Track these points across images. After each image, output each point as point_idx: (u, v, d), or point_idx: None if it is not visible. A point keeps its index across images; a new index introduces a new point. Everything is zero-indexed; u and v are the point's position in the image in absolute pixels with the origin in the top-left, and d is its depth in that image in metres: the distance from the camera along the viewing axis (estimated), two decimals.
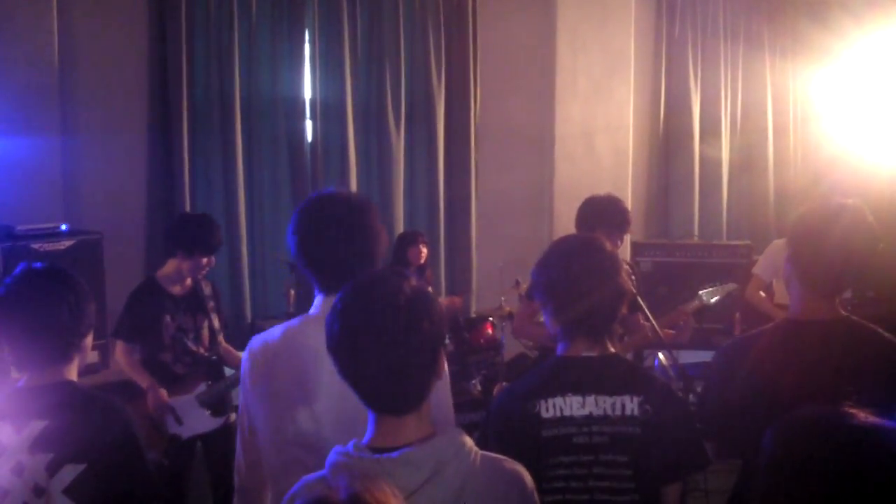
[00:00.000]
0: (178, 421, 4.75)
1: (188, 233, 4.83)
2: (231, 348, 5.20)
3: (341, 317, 1.90)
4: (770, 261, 5.84)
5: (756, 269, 5.93)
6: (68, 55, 6.34)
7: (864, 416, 1.65)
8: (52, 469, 2.36)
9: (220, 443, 4.89)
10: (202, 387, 4.86)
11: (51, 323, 2.48)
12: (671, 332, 4.76)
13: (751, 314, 6.08)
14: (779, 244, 5.86)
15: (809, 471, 1.61)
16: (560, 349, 2.62)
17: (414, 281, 1.94)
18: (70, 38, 6.34)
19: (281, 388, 2.45)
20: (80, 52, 6.42)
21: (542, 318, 5.38)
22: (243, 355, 2.57)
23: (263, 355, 2.51)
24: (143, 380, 4.75)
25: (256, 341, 2.57)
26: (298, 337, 2.49)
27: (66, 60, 6.31)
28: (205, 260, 4.81)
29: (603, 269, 2.55)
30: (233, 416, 5.00)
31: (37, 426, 2.39)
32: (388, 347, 1.84)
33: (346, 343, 1.88)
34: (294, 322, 2.56)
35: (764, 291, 5.89)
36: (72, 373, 2.56)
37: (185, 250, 4.78)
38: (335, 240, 2.48)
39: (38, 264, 2.62)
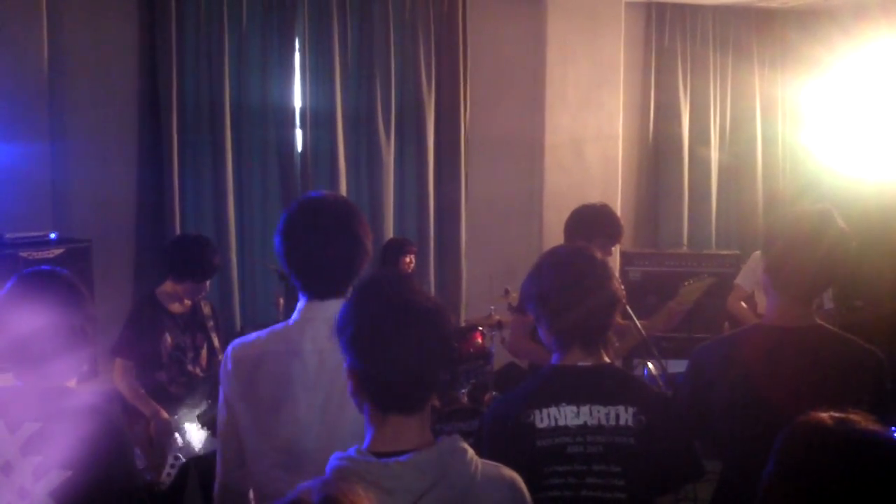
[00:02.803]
0: (180, 442, 4.64)
1: (180, 257, 4.73)
2: None
3: (366, 310, 1.91)
4: (751, 271, 5.84)
5: (738, 280, 5.93)
6: (58, 62, 6.33)
7: (865, 423, 1.67)
8: (40, 472, 2.36)
9: (215, 464, 4.81)
10: (204, 405, 4.73)
11: (57, 326, 2.47)
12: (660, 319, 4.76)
13: (739, 324, 6.09)
14: (759, 255, 5.86)
15: (813, 476, 1.63)
16: (554, 359, 2.62)
17: (418, 284, 1.99)
18: (60, 44, 6.34)
19: (265, 393, 2.46)
20: (69, 59, 6.42)
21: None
22: (226, 356, 2.55)
23: (248, 359, 2.51)
24: (145, 406, 4.61)
25: (240, 344, 2.57)
26: (283, 342, 2.50)
27: (55, 67, 6.31)
28: (202, 285, 4.73)
29: (595, 278, 2.56)
30: None
31: (30, 428, 2.39)
32: (415, 340, 1.86)
33: (373, 339, 1.89)
34: (278, 327, 2.57)
35: (746, 302, 5.87)
36: (71, 378, 2.56)
37: (176, 275, 4.71)
38: (321, 245, 2.49)
39: (45, 267, 2.63)
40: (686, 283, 5.10)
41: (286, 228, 2.56)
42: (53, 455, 2.37)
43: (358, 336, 1.91)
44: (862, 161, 8.46)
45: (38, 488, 2.36)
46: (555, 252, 2.80)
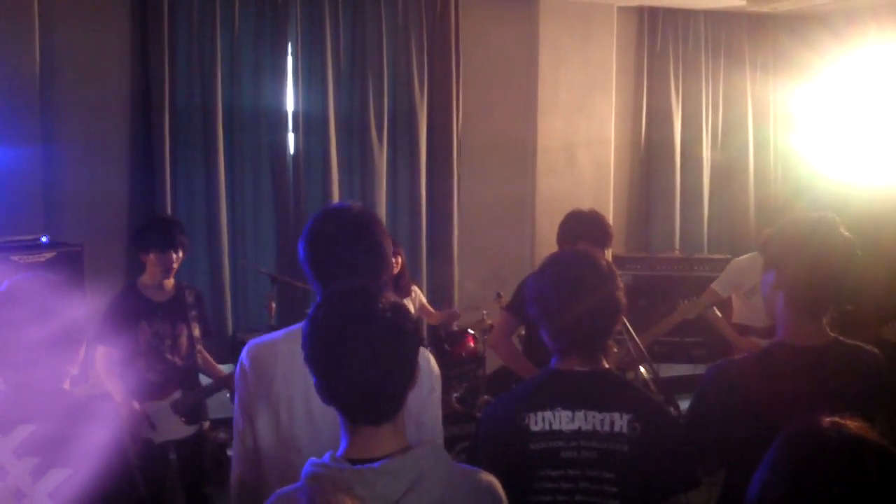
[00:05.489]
0: (152, 427, 4.79)
1: (146, 230, 4.97)
2: (210, 358, 5.25)
3: (322, 325, 1.92)
4: (730, 277, 5.73)
5: (714, 285, 5.78)
6: (50, 65, 6.32)
7: (860, 429, 1.67)
8: (37, 473, 2.35)
9: (192, 450, 5.03)
10: (177, 394, 4.89)
11: (48, 329, 2.47)
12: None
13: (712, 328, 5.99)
14: (741, 261, 5.81)
15: (810, 482, 1.63)
16: (553, 363, 2.62)
17: (390, 293, 1.98)
18: (51, 48, 6.32)
19: (281, 390, 2.51)
20: (61, 63, 6.41)
21: (521, 332, 5.41)
22: (242, 357, 2.61)
23: (264, 358, 2.57)
24: (117, 391, 4.76)
25: (255, 345, 2.62)
26: (299, 342, 2.52)
27: (47, 70, 6.30)
28: (166, 255, 4.86)
29: (598, 284, 2.55)
30: (206, 425, 5.12)
31: (23, 430, 2.38)
32: (370, 354, 1.86)
33: (327, 352, 1.89)
34: (294, 328, 2.61)
35: (719, 308, 5.76)
36: (64, 380, 2.56)
37: (142, 249, 4.90)
38: (344, 253, 2.53)
39: (35, 271, 2.64)
40: (683, 302, 5.11)
41: (311, 236, 2.59)
42: (50, 455, 2.36)
43: (313, 353, 1.93)
44: (853, 166, 8.48)
45: (36, 490, 2.35)
46: (560, 255, 2.79)
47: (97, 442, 2.41)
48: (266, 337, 2.65)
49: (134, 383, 4.77)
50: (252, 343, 2.64)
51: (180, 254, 4.98)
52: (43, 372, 2.50)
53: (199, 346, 5.07)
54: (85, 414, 2.48)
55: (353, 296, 1.95)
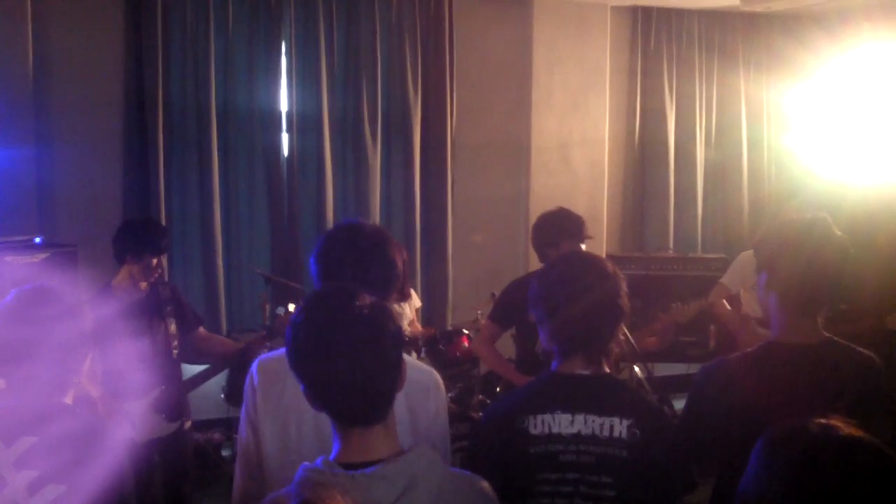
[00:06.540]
0: (132, 426, 4.73)
1: (135, 235, 4.86)
2: (213, 336, 5.29)
3: (302, 328, 1.92)
4: (738, 270, 5.80)
5: (723, 279, 5.89)
6: (43, 65, 6.31)
7: (848, 428, 1.67)
8: (34, 487, 2.34)
9: (174, 448, 4.98)
10: (157, 392, 4.85)
11: (56, 344, 2.49)
12: (653, 338, 4.76)
13: (721, 324, 6.06)
14: (748, 255, 5.85)
15: (800, 484, 1.63)
16: (554, 365, 2.61)
17: (366, 296, 1.98)
18: (45, 48, 6.32)
19: (290, 404, 2.52)
20: (54, 63, 6.40)
21: (513, 333, 5.42)
22: (252, 371, 2.63)
23: (274, 372, 2.57)
24: (93, 389, 4.74)
25: (266, 359, 2.65)
26: None
27: (41, 71, 6.29)
28: (154, 261, 4.84)
29: (604, 290, 2.54)
30: (187, 423, 5.08)
31: (25, 442, 2.38)
32: (357, 353, 1.86)
33: (313, 354, 1.90)
34: None
35: (728, 301, 5.84)
36: (68, 395, 2.56)
37: (133, 253, 4.81)
38: (357, 268, 2.55)
39: (42, 282, 2.65)
40: (674, 305, 5.11)
41: (324, 252, 2.62)
42: (49, 470, 2.36)
43: (296, 356, 1.93)
44: (847, 165, 8.49)
45: (31, 503, 2.34)
46: (566, 257, 2.78)
47: (94, 459, 2.40)
48: (276, 352, 2.65)
49: (113, 383, 4.72)
50: (263, 358, 2.66)
51: None
52: (53, 375, 2.49)
53: (176, 342, 5.01)
54: (86, 430, 2.48)
55: (330, 296, 1.97)
